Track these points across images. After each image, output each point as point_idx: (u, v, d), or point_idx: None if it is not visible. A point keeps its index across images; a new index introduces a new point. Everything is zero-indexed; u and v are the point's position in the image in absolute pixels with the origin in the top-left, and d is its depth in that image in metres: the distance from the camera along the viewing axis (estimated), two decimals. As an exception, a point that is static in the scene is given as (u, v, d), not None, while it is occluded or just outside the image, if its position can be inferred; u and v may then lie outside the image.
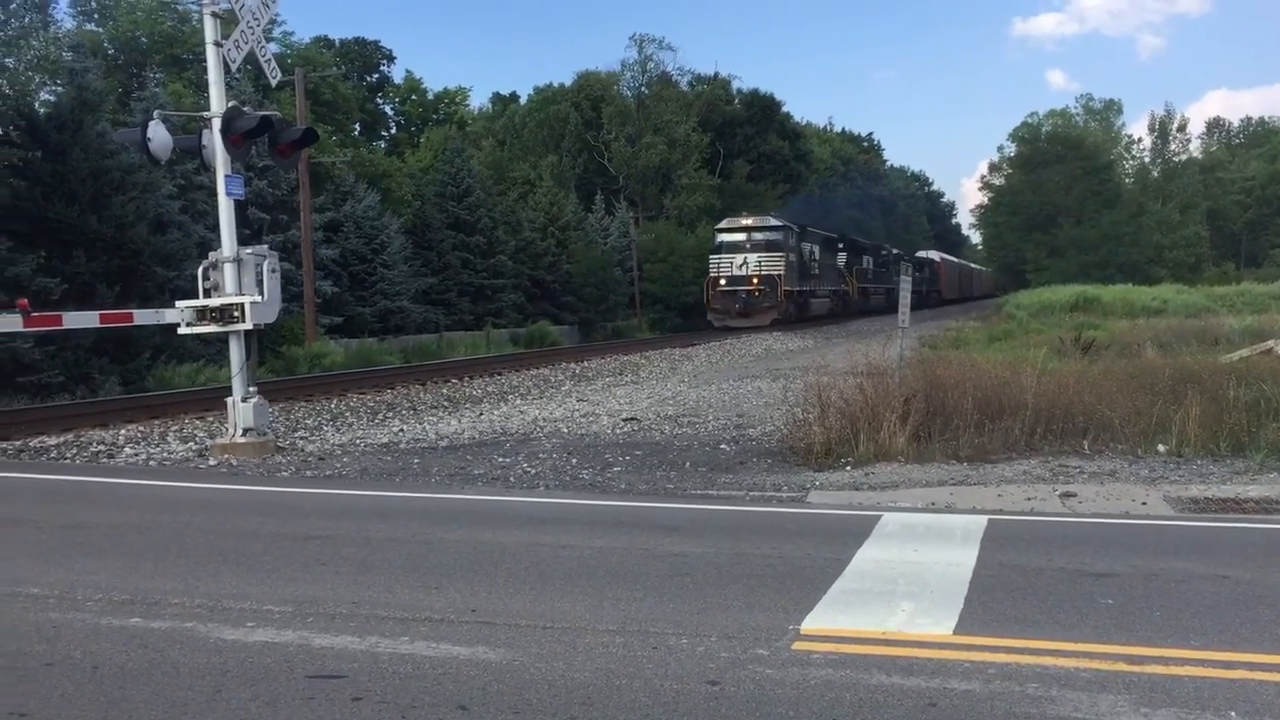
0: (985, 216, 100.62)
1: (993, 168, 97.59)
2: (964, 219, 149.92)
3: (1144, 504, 7.94)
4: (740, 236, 43.74)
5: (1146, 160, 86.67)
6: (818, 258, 48.99)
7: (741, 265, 42.40)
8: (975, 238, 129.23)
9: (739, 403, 15.60)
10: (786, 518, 7.44)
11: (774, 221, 44.76)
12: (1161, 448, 9.92)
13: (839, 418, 10.44)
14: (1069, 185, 77.33)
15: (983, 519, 7.11)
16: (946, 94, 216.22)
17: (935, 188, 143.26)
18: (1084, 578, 5.53)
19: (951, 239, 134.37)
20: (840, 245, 55.27)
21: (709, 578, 5.58)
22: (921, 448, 9.98)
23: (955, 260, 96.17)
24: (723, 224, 46.05)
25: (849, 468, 9.60)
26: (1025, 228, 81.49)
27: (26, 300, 11.04)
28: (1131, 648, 4.36)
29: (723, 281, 42.48)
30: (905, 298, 12.97)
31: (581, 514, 7.64)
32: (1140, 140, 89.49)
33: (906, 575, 5.61)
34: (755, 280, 41.59)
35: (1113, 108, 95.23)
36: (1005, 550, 6.18)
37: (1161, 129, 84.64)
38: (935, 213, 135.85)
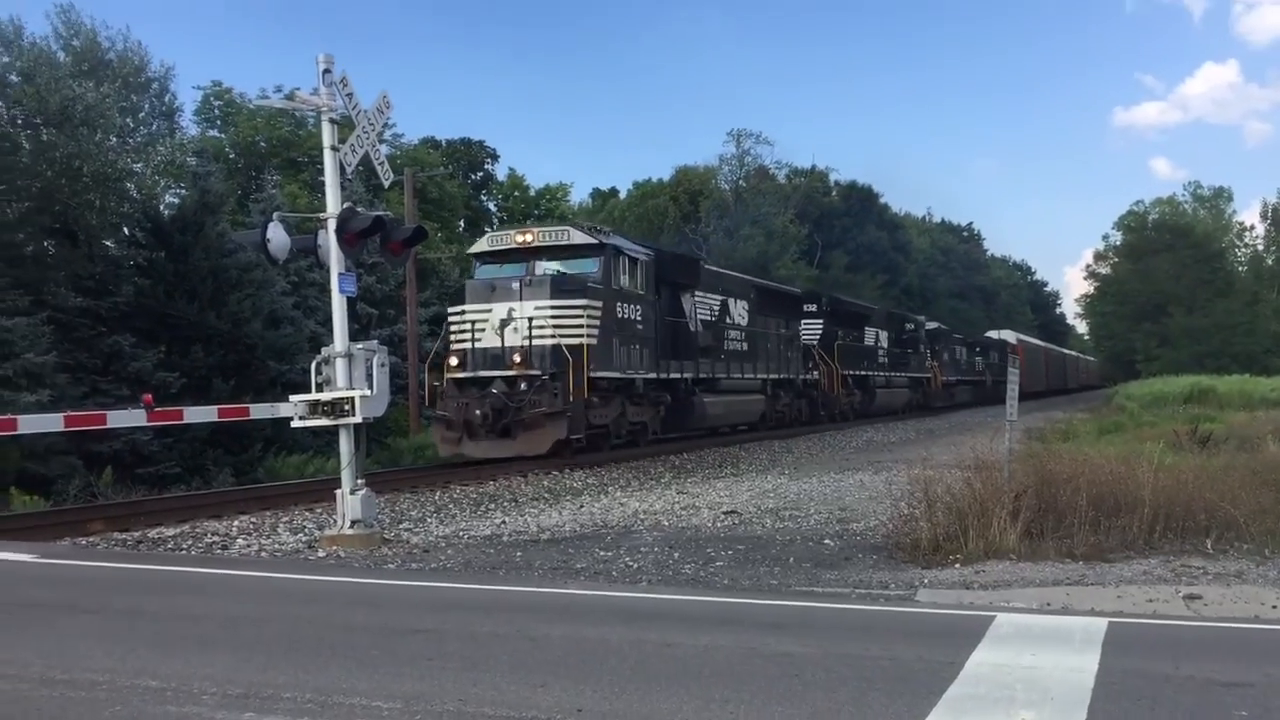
0: (1091, 306, 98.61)
1: (1098, 256, 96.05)
2: (1068, 308, 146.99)
3: (1275, 608, 7.56)
4: (508, 272, 21.78)
5: (1260, 248, 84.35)
6: (731, 319, 28.29)
7: (501, 327, 20.23)
8: (1081, 327, 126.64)
9: (841, 496, 15.38)
10: (895, 617, 7.26)
11: (580, 237, 21.86)
12: (1290, 547, 9.47)
13: (946, 513, 10.20)
14: (1179, 274, 75.52)
15: (1102, 622, 6.84)
16: (1048, 183, 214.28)
17: (1038, 277, 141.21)
18: (1215, 687, 5.27)
19: (1056, 329, 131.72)
20: (793, 305, 34.55)
21: (818, 680, 5.45)
22: (1034, 545, 9.69)
23: (1038, 344, 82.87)
24: (481, 243, 23.51)
25: (958, 565, 9.35)
26: (1134, 317, 79.52)
27: (150, 395, 11.49)
28: (1271, 764, 4.13)
29: (453, 361, 20.64)
30: (1013, 390, 12.75)
31: (684, 610, 7.56)
32: (1253, 228, 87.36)
33: (1025, 681, 5.41)
34: (518, 358, 19.96)
35: (1222, 195, 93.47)
36: (1128, 656, 5.93)
37: (1275, 216, 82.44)
38: (1039, 302, 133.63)
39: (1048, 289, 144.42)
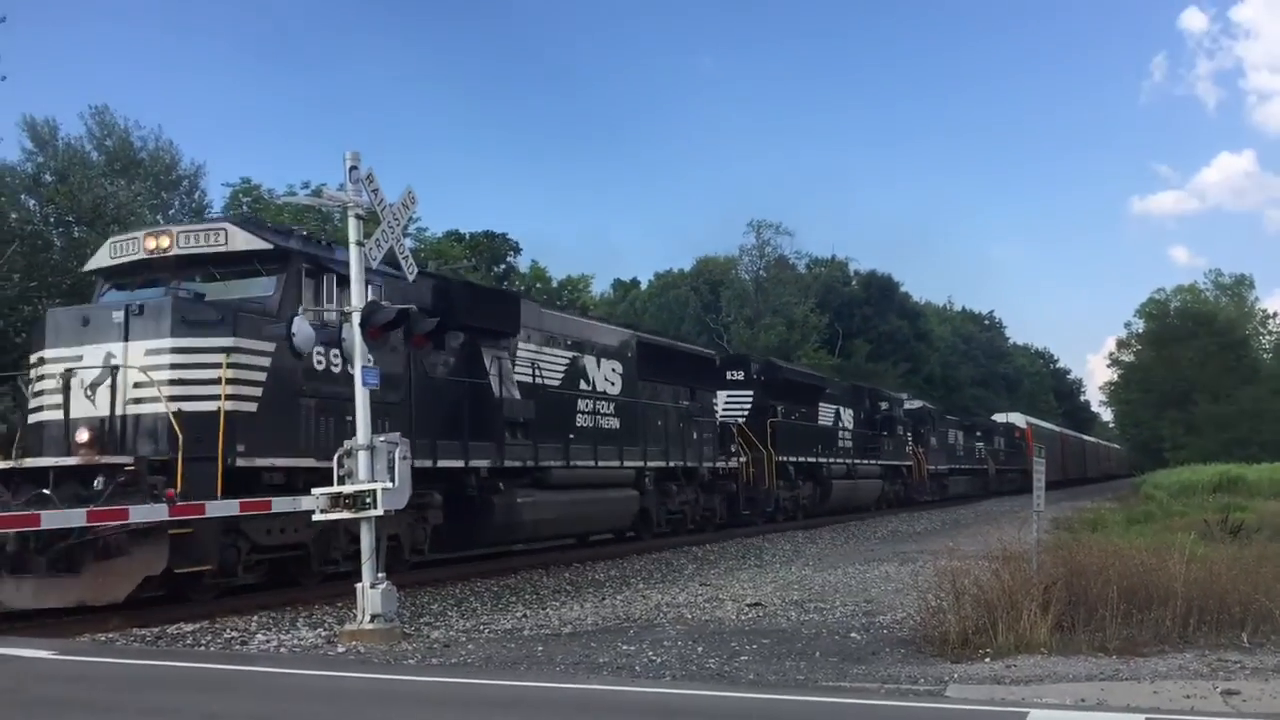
0: (1116, 394, 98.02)
1: (1121, 344, 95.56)
2: (1093, 395, 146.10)
3: (1316, 703, 7.37)
4: (126, 297, 13.81)
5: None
6: (590, 383, 20.96)
7: (93, 385, 12.71)
8: (1106, 415, 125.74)
9: (867, 588, 15.19)
10: (927, 714, 7.11)
11: (245, 239, 13.72)
12: (1330, 641, 9.26)
13: (975, 605, 10.04)
14: (1203, 361, 75.07)
15: (1140, 719, 6.67)
16: (1068, 271, 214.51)
17: (1061, 364, 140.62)
18: (1258, 787, 5.11)
19: (1081, 416, 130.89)
20: (706, 371, 26.69)
21: (847, 780, 5.32)
22: (1065, 639, 9.50)
23: (1053, 428, 77.44)
24: (101, 254, 14.94)
25: (988, 659, 9.17)
26: (1159, 405, 78.88)
27: (172, 490, 11.52)
28: None
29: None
30: (1039, 480, 12.64)
31: (710, 706, 7.43)
32: (1276, 315, 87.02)
33: (1060, 781, 5.26)
34: (85, 436, 12.25)
35: (1244, 282, 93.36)
36: (1167, 754, 5.77)
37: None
38: (1062, 390, 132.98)
39: (1071, 376, 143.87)
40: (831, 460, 33.69)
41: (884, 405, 40.68)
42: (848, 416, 36.41)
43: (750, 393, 29.46)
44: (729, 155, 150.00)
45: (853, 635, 10.92)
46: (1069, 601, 10.02)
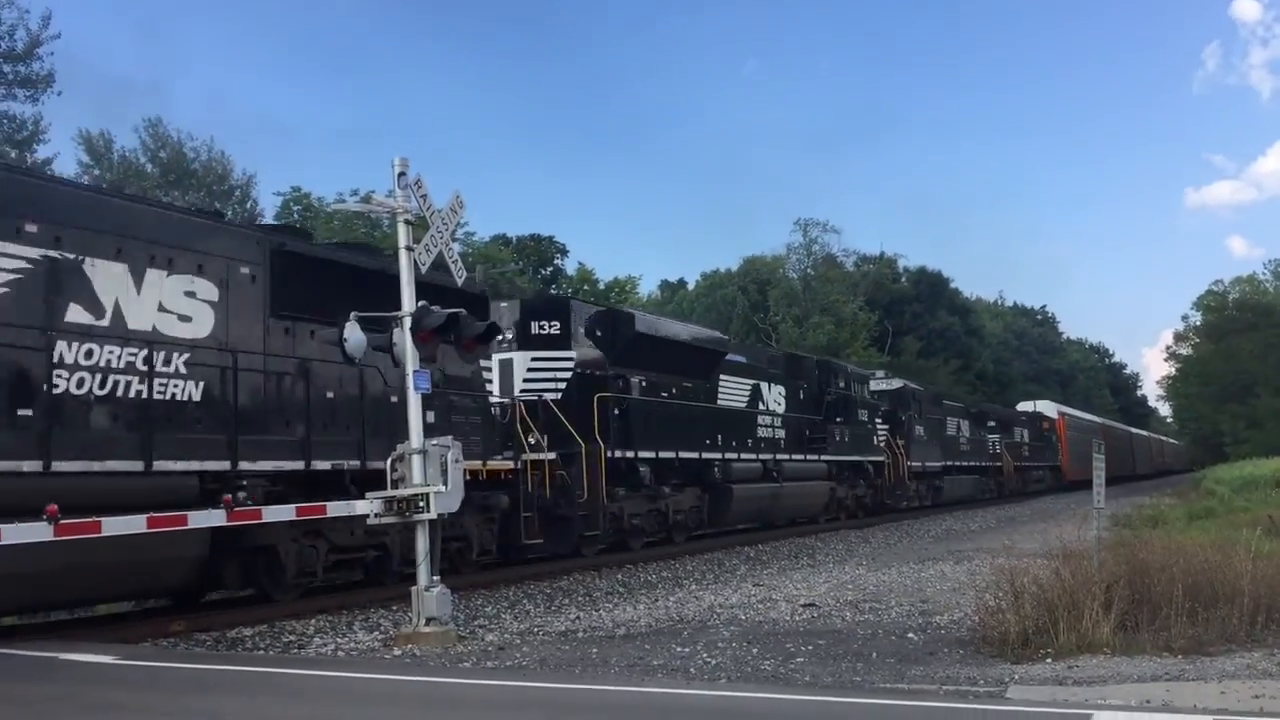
0: (1173, 388, 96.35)
1: (1178, 337, 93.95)
2: (1149, 390, 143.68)
3: (1393, 703, 7.16)
4: None
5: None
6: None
7: None
8: (1164, 410, 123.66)
9: (922, 587, 15.02)
10: (989, 715, 6.99)
11: None
12: (1404, 638, 9.00)
13: (1035, 605, 9.88)
14: (1264, 354, 73.48)
15: (1207, 719, 6.53)
16: (1122, 264, 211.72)
17: (1116, 359, 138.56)
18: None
19: (1137, 411, 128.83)
20: (476, 305, 15.03)
21: (909, 783, 5.24)
22: (1129, 638, 9.32)
23: (1092, 419, 69.13)
24: None
25: (1049, 660, 9.02)
26: (1218, 398, 77.32)
27: (229, 496, 11.65)
28: None
29: None
30: (1099, 477, 12.42)
31: (768, 710, 7.37)
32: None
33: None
34: None
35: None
36: (1238, 757, 5.62)
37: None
38: (1118, 385, 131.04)
39: (1126, 371, 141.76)
40: (736, 457, 23.98)
41: (839, 383, 30.77)
42: (774, 395, 27.18)
43: (569, 359, 19.84)
44: (776, 154, 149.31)
45: (910, 636, 10.80)
46: (1132, 600, 9.83)
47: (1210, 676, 8.16)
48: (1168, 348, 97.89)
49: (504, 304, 20.09)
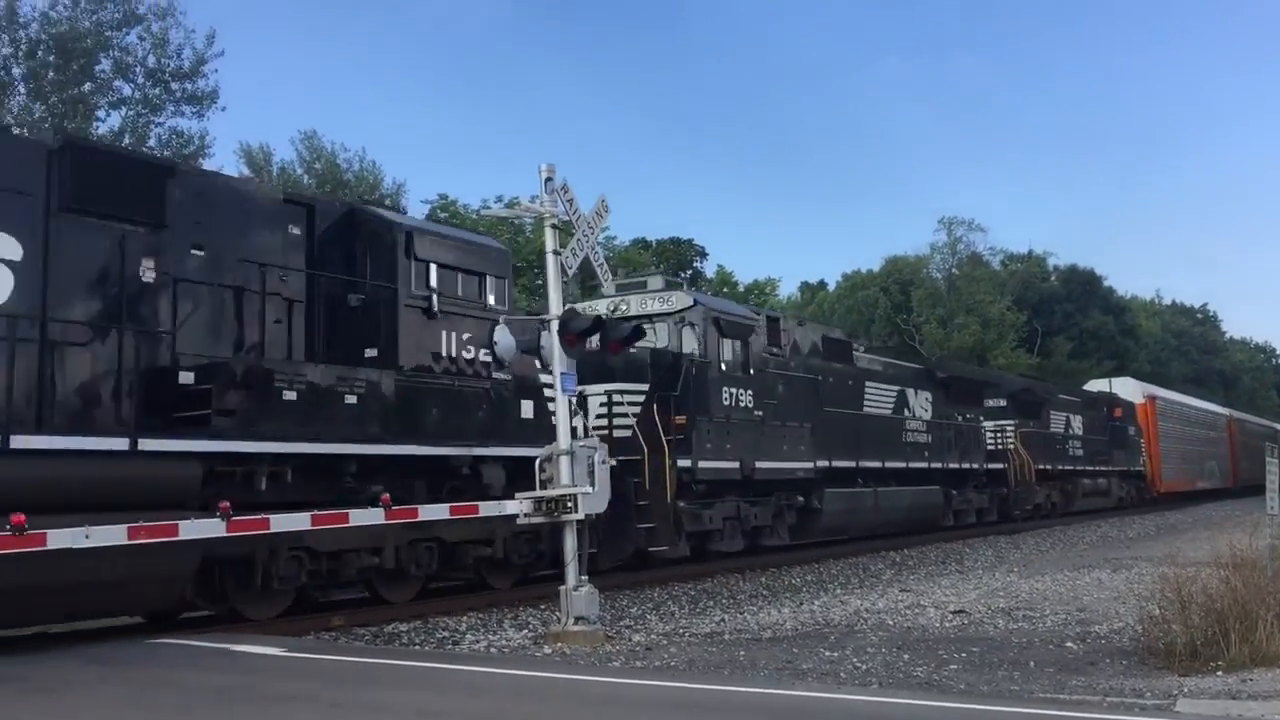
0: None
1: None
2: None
3: None
4: None
5: None
6: None
7: None
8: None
9: (1078, 595, 14.56)
10: (1156, 730, 6.74)
11: None
12: None
13: (1203, 615, 9.47)
14: None
15: (1399, 740, 6.15)
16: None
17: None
18: None
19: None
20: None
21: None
22: (1308, 653, 8.85)
23: (1209, 409, 55.00)
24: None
25: (1220, 672, 8.63)
26: (1399, 398, 72.62)
27: (389, 495, 12.05)
28: None
29: None
30: (1273, 480, 11.82)
31: (925, 717, 7.24)
32: None
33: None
34: None
35: None
36: None
37: None
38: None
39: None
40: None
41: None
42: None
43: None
44: (918, 152, 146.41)
45: (1068, 645, 10.49)
46: (1311, 612, 9.34)
47: (1400, 695, 7.69)
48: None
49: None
